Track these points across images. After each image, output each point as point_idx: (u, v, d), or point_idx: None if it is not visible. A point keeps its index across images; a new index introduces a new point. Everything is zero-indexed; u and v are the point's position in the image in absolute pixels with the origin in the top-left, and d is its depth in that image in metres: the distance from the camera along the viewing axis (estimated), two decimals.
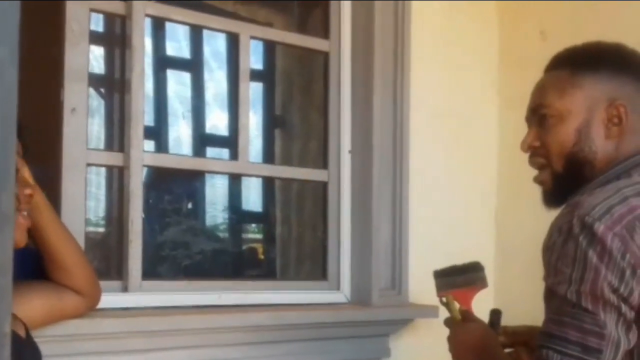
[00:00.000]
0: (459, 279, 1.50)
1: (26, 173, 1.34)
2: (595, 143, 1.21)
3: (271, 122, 3.01)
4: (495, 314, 1.45)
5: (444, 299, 1.47)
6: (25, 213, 1.24)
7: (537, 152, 1.29)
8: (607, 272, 1.04)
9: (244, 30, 2.13)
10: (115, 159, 1.93)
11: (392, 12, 2.22)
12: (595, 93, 1.22)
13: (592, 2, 2.21)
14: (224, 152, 3.33)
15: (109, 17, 2.40)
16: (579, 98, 1.23)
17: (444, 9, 2.37)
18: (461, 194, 2.40)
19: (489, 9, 2.50)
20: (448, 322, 1.46)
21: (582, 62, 1.26)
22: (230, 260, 2.85)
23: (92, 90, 3.01)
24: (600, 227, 1.04)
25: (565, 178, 1.25)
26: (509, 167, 2.44)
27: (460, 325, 1.43)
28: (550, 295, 1.12)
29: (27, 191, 1.25)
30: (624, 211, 1.05)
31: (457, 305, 1.45)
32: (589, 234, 1.05)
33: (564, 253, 1.07)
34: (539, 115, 1.29)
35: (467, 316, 1.44)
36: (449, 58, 2.40)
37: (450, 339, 1.42)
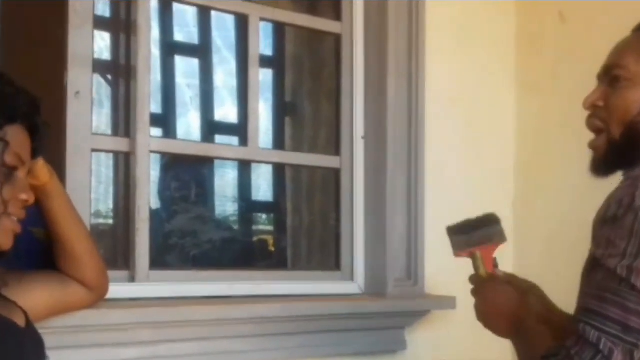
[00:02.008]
0: (476, 235, 1.40)
1: (38, 172, 1.29)
2: None
3: (282, 109, 2.95)
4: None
5: (477, 253, 1.35)
6: (14, 218, 1.18)
7: (598, 113, 1.23)
8: None
9: (253, 11, 2.06)
10: (121, 144, 1.87)
11: None
12: None
13: None
14: (234, 140, 3.28)
15: (116, 2, 2.35)
16: None
17: None
18: (478, 181, 2.33)
19: None
20: (474, 279, 1.37)
21: None
22: (240, 250, 2.80)
23: (100, 77, 2.96)
24: None
25: (622, 147, 1.18)
26: (527, 153, 2.37)
27: (491, 284, 1.34)
28: (597, 267, 1.05)
29: (23, 196, 1.19)
30: None
31: (482, 261, 1.35)
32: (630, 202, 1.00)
33: (622, 225, 1.01)
34: (611, 75, 1.22)
35: (493, 278, 1.35)
36: (464, 42, 2.33)
37: (479, 297, 1.34)
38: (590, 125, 1.24)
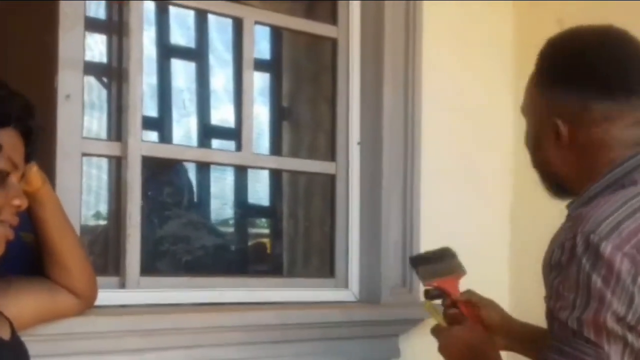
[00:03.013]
0: (440, 266, 1.43)
1: (32, 178, 1.28)
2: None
3: (278, 113, 2.93)
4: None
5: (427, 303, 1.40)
6: (7, 224, 1.16)
7: None
8: (612, 298, 0.93)
9: (248, 14, 2.04)
10: (112, 148, 1.85)
11: None
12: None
13: None
14: (231, 144, 3.25)
15: (109, 3, 2.33)
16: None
17: None
18: (475, 188, 2.31)
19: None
20: (435, 331, 1.39)
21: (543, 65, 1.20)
22: (233, 256, 2.78)
23: (94, 80, 2.94)
24: (607, 247, 0.93)
25: (544, 179, 1.24)
26: (525, 161, 2.33)
27: (447, 330, 1.37)
28: (552, 318, 1.02)
29: (16, 202, 1.16)
30: (633, 228, 0.94)
31: (440, 310, 1.39)
32: (593, 255, 0.94)
33: (567, 275, 0.97)
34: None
35: (452, 318, 1.38)
36: (462, 47, 2.31)
37: (439, 349, 1.36)
38: None
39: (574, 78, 1.12)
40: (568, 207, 1.17)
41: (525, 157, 2.33)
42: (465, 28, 2.31)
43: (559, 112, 1.13)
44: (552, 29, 2.33)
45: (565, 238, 0.99)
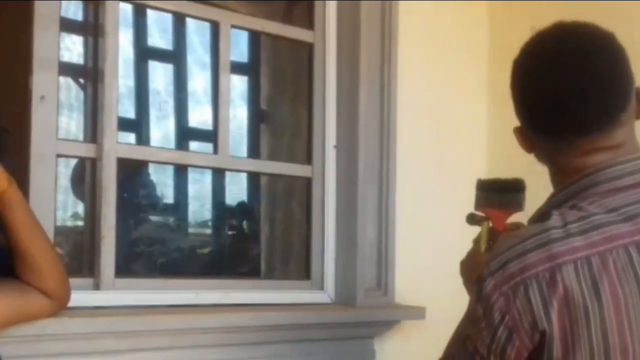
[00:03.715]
0: (496, 197, 1.39)
1: None
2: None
3: (256, 116, 2.94)
4: None
5: (484, 226, 1.37)
6: None
7: None
8: (485, 329, 1.00)
9: (224, 18, 2.05)
10: (87, 150, 1.84)
11: (380, 3, 2.14)
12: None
13: None
14: (208, 147, 3.25)
15: (86, 4, 2.32)
16: None
17: (432, 2, 2.30)
18: (449, 192, 2.33)
19: (478, 3, 2.43)
20: (474, 241, 1.39)
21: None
22: (210, 258, 2.77)
23: (71, 81, 2.92)
24: (490, 284, 0.99)
25: None
26: (498, 165, 2.37)
27: (476, 251, 1.37)
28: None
29: None
30: (515, 270, 0.97)
31: (486, 230, 1.36)
32: (480, 287, 1.01)
33: (471, 291, 1.05)
34: None
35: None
36: (437, 52, 2.33)
37: (460, 262, 1.38)
38: None
39: (516, 105, 1.11)
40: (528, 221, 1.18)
41: (498, 158, 2.37)
42: (440, 32, 2.33)
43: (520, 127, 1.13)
44: (526, 33, 2.37)
45: (488, 259, 1.05)
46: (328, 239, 2.18)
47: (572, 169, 1.05)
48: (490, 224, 1.36)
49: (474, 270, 1.31)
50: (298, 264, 2.34)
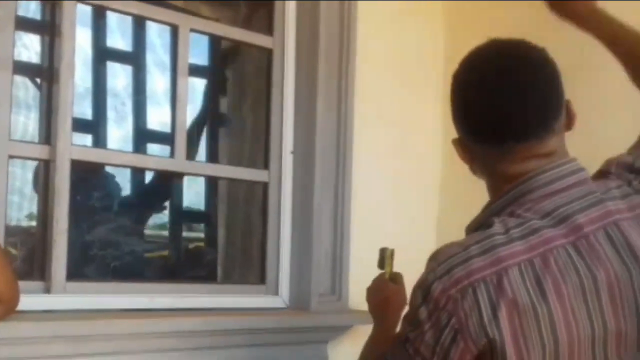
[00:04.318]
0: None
1: None
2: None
3: (216, 120, 2.93)
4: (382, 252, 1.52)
5: (388, 251, 1.51)
6: None
7: None
8: (429, 330, 1.03)
9: (183, 22, 2.05)
10: (40, 151, 1.82)
11: (338, 12, 2.16)
12: None
13: (540, 7, 2.19)
14: (167, 149, 3.24)
15: (44, 3, 2.30)
16: None
17: (390, 11, 2.33)
18: (404, 199, 2.36)
19: (435, 12, 2.47)
20: (380, 274, 1.51)
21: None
22: (165, 262, 2.75)
23: (28, 81, 2.88)
24: (437, 288, 1.02)
25: None
26: (451, 173, 2.42)
27: (383, 279, 1.50)
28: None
29: None
30: (461, 275, 1.01)
31: (389, 255, 1.52)
32: (425, 290, 1.04)
33: (413, 295, 1.08)
34: None
35: (394, 278, 1.50)
36: (394, 60, 2.36)
37: (368, 288, 1.50)
38: None
39: (456, 117, 1.14)
40: (467, 228, 1.20)
41: (451, 167, 2.41)
42: (398, 43, 2.36)
43: (458, 138, 1.17)
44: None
45: (426, 269, 1.08)
46: (283, 244, 2.19)
47: (510, 175, 1.09)
48: (393, 251, 1.51)
49: (378, 295, 1.46)
50: (254, 269, 2.35)
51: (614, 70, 1.35)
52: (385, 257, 1.51)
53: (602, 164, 1.20)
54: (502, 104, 1.06)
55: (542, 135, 1.06)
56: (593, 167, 1.20)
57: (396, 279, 1.50)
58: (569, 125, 1.12)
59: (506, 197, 1.09)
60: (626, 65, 1.34)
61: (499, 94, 1.06)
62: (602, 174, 1.16)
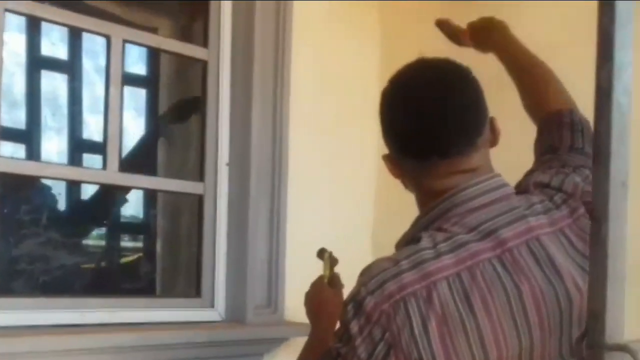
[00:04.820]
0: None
1: None
2: None
3: (153, 130, 2.90)
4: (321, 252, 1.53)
5: (325, 254, 1.52)
6: None
7: None
8: (361, 344, 1.03)
9: (116, 32, 2.02)
10: None
11: (273, 24, 2.18)
12: None
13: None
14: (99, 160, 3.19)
15: None
16: None
17: (325, 24, 2.35)
18: (339, 210, 2.38)
19: (371, 26, 2.51)
20: (318, 278, 1.52)
21: None
22: (99, 276, 2.70)
23: None
24: (370, 302, 1.03)
25: None
26: (387, 184, 2.42)
27: (321, 282, 1.50)
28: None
29: None
30: (393, 289, 1.02)
31: (327, 259, 1.53)
32: (357, 305, 1.04)
33: (343, 310, 1.07)
34: None
35: (332, 280, 1.50)
36: (330, 73, 2.38)
37: (306, 293, 1.51)
38: None
39: (385, 133, 1.17)
40: (396, 245, 1.21)
41: (386, 177, 2.44)
42: (333, 55, 2.38)
43: (387, 154, 1.20)
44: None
45: (357, 283, 1.08)
46: (219, 256, 2.18)
47: (436, 191, 1.12)
48: (331, 253, 1.52)
49: (314, 299, 1.48)
50: (190, 282, 2.33)
51: None
52: (323, 259, 1.52)
53: (520, 181, 1.23)
54: (426, 122, 1.09)
55: (466, 151, 1.10)
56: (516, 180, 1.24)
57: (334, 282, 1.50)
58: (494, 141, 1.16)
59: (433, 212, 1.12)
60: (526, 91, 1.40)
61: (424, 112, 1.09)
62: (522, 189, 1.19)
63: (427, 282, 1.02)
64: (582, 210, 1.13)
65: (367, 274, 1.07)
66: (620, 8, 0.86)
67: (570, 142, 1.27)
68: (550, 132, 1.30)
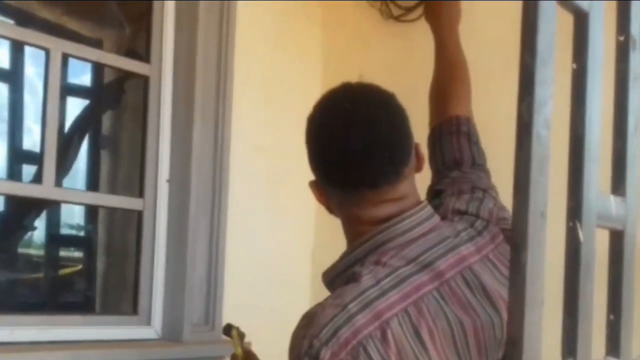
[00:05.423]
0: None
1: None
2: None
3: (94, 145, 2.85)
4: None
5: (233, 331, 1.45)
6: None
7: None
8: None
9: (55, 45, 1.99)
10: None
11: (216, 40, 2.17)
12: None
13: (409, 47, 2.29)
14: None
15: None
16: None
17: (268, 42, 2.36)
18: (279, 229, 2.38)
19: (314, 40, 2.52)
20: (232, 357, 1.43)
21: None
22: (30, 293, 2.63)
23: None
24: (327, 354, 0.99)
25: None
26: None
27: (233, 356, 1.42)
28: None
29: None
30: (348, 335, 1.00)
31: (236, 335, 1.45)
32: (313, 359, 1.01)
33: None
34: None
35: (248, 357, 1.42)
36: (271, 92, 2.38)
37: None
38: None
39: (311, 160, 1.17)
40: (325, 275, 1.19)
41: None
42: (275, 74, 2.39)
43: (314, 181, 1.18)
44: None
45: (298, 335, 1.04)
46: (157, 273, 2.15)
47: (364, 220, 1.11)
48: (239, 328, 1.46)
49: None
50: (128, 299, 2.29)
51: None
52: (232, 337, 1.45)
53: (436, 203, 1.22)
54: (352, 155, 1.08)
55: (393, 181, 1.09)
56: None
57: (250, 357, 1.44)
58: (419, 167, 1.16)
59: (367, 244, 1.10)
60: (439, 83, 1.40)
61: (348, 142, 1.08)
62: (442, 215, 1.18)
63: (379, 322, 1.01)
64: (501, 236, 1.14)
65: (314, 324, 1.02)
66: (542, 47, 0.90)
67: (470, 156, 1.28)
68: (450, 138, 1.30)
